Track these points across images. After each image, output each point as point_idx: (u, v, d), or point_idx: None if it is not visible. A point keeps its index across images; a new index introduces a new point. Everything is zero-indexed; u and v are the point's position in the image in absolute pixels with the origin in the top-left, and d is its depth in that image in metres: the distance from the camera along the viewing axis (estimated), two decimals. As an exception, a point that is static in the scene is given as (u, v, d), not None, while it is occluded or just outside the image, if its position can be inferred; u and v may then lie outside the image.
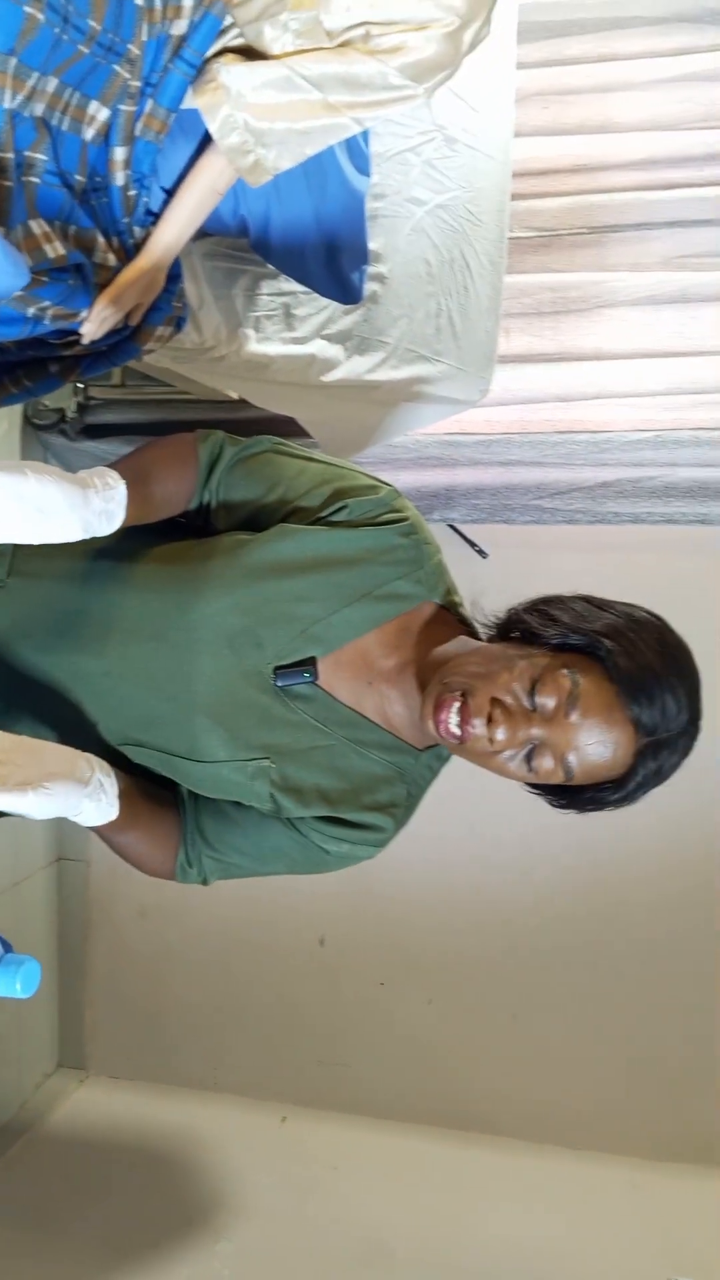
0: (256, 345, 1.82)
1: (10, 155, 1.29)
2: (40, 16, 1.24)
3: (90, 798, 1.01)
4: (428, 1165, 2.51)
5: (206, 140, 1.46)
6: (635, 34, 2.26)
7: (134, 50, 1.36)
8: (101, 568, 1.10)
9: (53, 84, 1.29)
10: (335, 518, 1.12)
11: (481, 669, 1.02)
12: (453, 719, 1.00)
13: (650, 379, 2.34)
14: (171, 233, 1.49)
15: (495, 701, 0.99)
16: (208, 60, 1.38)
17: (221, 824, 1.15)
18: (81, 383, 2.27)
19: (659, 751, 1.00)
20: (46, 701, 1.13)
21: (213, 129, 1.38)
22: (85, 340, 1.51)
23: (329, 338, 1.92)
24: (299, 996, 2.74)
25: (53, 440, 2.46)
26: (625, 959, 2.56)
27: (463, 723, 0.99)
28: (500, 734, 0.98)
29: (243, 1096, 2.72)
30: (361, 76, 1.38)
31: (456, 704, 1.00)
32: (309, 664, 1.09)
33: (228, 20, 1.38)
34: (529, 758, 1.00)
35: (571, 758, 0.98)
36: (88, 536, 0.99)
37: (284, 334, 1.86)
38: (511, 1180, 2.47)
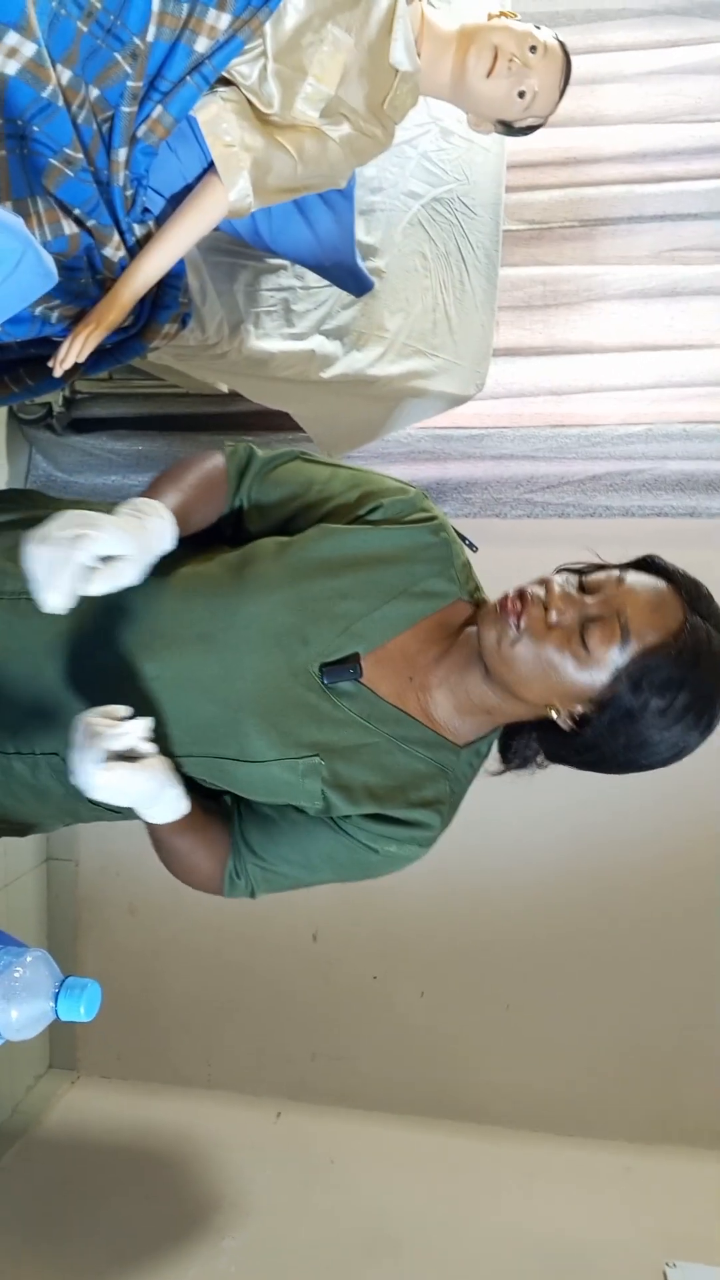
0: (256, 341, 1.80)
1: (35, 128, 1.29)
2: None
3: (171, 784, 1.04)
4: (425, 1156, 2.52)
5: (200, 161, 1.47)
6: (623, 26, 2.26)
7: (139, 44, 1.34)
8: None
9: (66, 75, 1.27)
10: (371, 517, 1.14)
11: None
12: (513, 603, 1.04)
13: (640, 372, 2.36)
14: (159, 263, 1.48)
15: (545, 581, 1.06)
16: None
17: (267, 834, 1.14)
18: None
19: (706, 616, 1.04)
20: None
21: (231, 195, 1.43)
22: (57, 374, 1.49)
23: (327, 333, 1.90)
24: (292, 992, 2.74)
25: (39, 435, 2.42)
26: (617, 945, 2.59)
27: (522, 605, 1.04)
28: (557, 604, 1.04)
29: (237, 1093, 2.71)
30: (332, 158, 1.49)
31: (517, 599, 1.05)
32: (354, 661, 1.09)
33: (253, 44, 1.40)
34: (584, 638, 1.03)
35: (629, 610, 1.02)
36: None
37: (283, 330, 1.84)
38: (509, 1169, 2.49)
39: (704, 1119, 2.55)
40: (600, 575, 1.06)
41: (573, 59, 1.74)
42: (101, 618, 1.11)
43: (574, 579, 1.07)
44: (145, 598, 1.10)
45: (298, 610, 1.09)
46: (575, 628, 1.03)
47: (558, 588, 1.05)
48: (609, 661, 1.02)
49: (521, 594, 1.05)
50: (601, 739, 1.07)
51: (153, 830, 1.10)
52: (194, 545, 1.14)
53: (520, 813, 2.45)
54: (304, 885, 1.17)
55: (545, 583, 1.06)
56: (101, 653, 1.11)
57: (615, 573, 1.06)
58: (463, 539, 1.21)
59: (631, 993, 2.60)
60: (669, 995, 2.58)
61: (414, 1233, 2.29)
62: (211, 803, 1.16)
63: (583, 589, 1.05)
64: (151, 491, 1.10)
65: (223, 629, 1.09)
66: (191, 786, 1.12)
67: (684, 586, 1.06)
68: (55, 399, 2.38)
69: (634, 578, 1.05)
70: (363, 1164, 2.50)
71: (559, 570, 1.13)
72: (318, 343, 1.88)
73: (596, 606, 1.03)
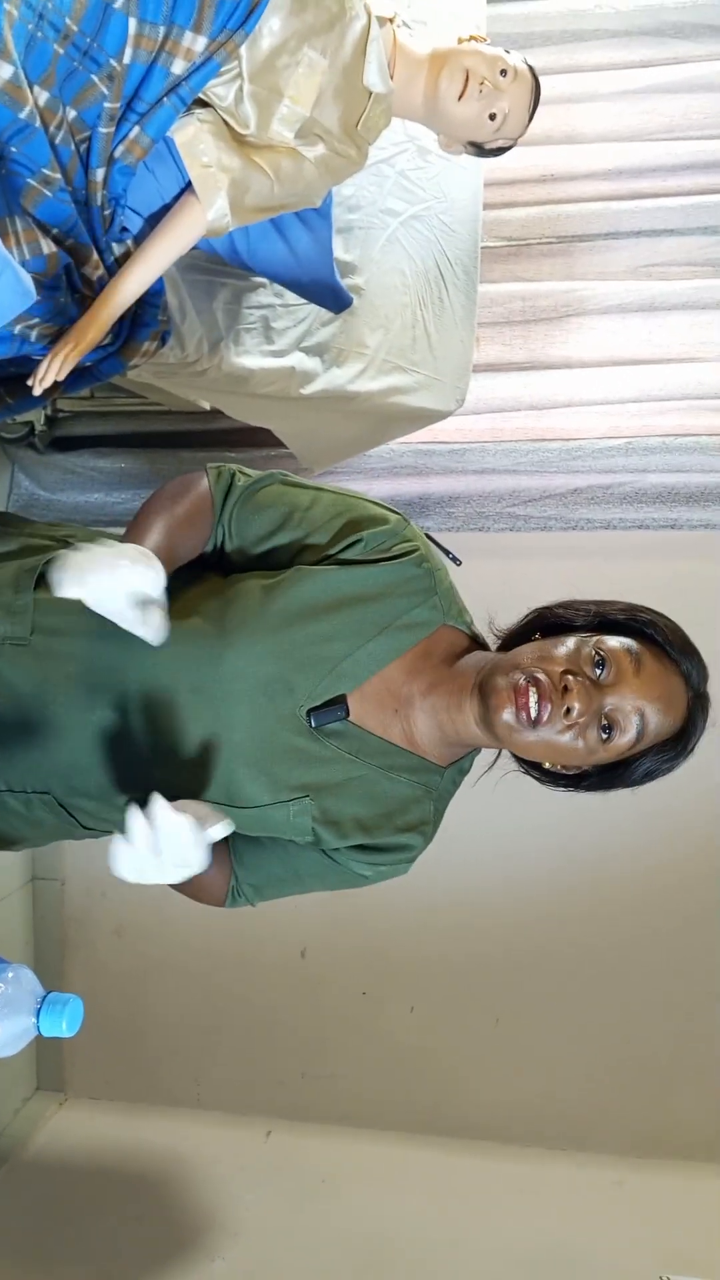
0: (236, 358, 1.81)
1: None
2: (15, 12, 1.23)
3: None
4: (416, 1173, 2.51)
5: (177, 181, 1.48)
6: (598, 46, 2.29)
7: (115, 66, 1.35)
8: None
9: (44, 96, 1.28)
10: (349, 554, 1.13)
11: (536, 654, 1.07)
12: (532, 702, 1.03)
13: (620, 387, 2.37)
14: (138, 283, 1.50)
15: (565, 674, 1.04)
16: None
17: (258, 855, 1.18)
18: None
19: (702, 705, 1.09)
20: (86, 759, 1.12)
21: (209, 215, 1.45)
22: (36, 393, 1.50)
23: (307, 350, 1.91)
24: (281, 1009, 2.72)
25: (21, 453, 2.42)
26: (608, 959, 2.58)
27: (540, 703, 1.03)
28: (577, 704, 1.03)
29: (227, 1112, 2.69)
30: (307, 177, 1.50)
31: (534, 689, 1.04)
32: (340, 702, 1.10)
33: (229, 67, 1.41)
34: (605, 729, 1.04)
35: (648, 712, 1.04)
36: None
37: (263, 346, 1.85)
38: (501, 1184, 2.47)
39: (698, 1133, 2.54)
40: (613, 661, 1.05)
41: (549, 78, 1.76)
42: (95, 667, 1.11)
43: (590, 655, 1.05)
44: (135, 649, 1.08)
45: (282, 658, 1.09)
46: (593, 721, 1.04)
47: (576, 685, 1.03)
48: (621, 751, 1.07)
49: (537, 685, 1.04)
50: (593, 788, 1.13)
51: None
52: (179, 577, 1.13)
53: (509, 826, 2.45)
54: (298, 893, 1.21)
55: (564, 679, 1.04)
56: (97, 702, 1.11)
57: (627, 656, 1.05)
58: (446, 553, 1.21)
59: (623, 1006, 2.59)
60: (661, 1008, 2.58)
61: (407, 1250, 2.27)
62: None
63: (599, 670, 1.05)
64: (137, 530, 1.09)
65: (211, 682, 1.09)
66: None
67: (679, 651, 1.08)
68: (37, 417, 2.38)
69: (649, 668, 1.05)
70: (354, 1182, 2.48)
71: (560, 622, 1.12)
72: (298, 359, 1.89)
73: (617, 701, 1.04)
